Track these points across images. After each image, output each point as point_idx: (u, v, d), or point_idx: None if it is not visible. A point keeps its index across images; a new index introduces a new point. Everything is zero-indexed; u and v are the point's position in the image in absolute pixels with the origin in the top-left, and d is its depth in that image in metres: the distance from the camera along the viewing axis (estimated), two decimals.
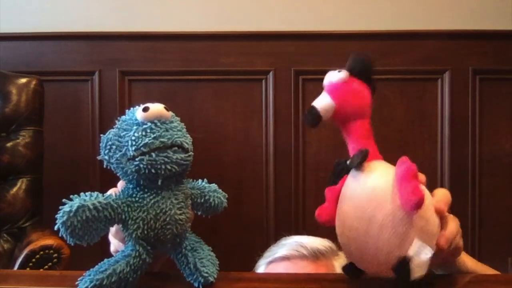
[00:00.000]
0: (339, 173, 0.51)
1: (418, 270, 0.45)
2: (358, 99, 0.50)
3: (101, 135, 0.48)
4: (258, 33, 1.81)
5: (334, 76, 0.50)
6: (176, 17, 1.83)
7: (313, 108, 0.49)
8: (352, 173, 0.49)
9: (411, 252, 0.45)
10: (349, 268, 0.52)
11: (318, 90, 0.51)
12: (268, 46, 1.81)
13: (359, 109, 0.50)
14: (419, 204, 0.43)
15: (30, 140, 1.56)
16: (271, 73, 1.80)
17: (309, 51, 1.80)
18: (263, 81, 1.81)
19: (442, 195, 0.50)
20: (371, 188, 0.47)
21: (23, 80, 1.58)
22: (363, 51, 0.52)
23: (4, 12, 1.81)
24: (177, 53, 1.81)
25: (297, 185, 1.81)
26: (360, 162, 0.48)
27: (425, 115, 1.81)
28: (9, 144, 1.54)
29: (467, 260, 0.60)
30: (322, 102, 0.49)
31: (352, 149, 0.50)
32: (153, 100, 0.49)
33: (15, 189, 1.53)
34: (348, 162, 0.50)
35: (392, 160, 0.49)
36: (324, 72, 0.51)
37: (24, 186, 1.54)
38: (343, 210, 0.50)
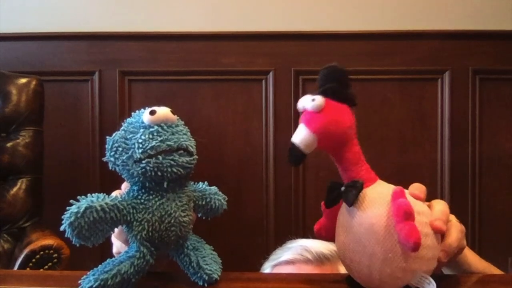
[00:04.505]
0: (333, 199, 0.49)
1: None
2: (340, 125, 0.46)
3: (107, 136, 0.48)
4: (258, 33, 1.81)
5: (308, 104, 0.46)
6: (176, 17, 1.83)
7: (294, 146, 0.46)
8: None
9: (413, 282, 0.46)
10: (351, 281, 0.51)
11: None
12: (268, 46, 1.81)
13: (343, 136, 0.47)
14: (416, 247, 0.42)
15: (30, 140, 1.56)
16: (271, 73, 1.81)
17: (309, 51, 1.80)
18: (263, 81, 1.81)
19: (440, 212, 0.48)
20: (369, 224, 0.46)
21: (23, 80, 1.58)
22: (332, 64, 0.49)
23: (4, 12, 1.81)
24: (177, 53, 1.81)
25: (297, 185, 1.81)
26: (354, 199, 0.46)
27: (425, 115, 1.81)
28: (9, 144, 1.54)
29: (468, 254, 0.60)
30: (302, 136, 0.46)
31: (343, 175, 0.48)
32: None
33: (15, 189, 1.53)
34: (342, 190, 0.48)
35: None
36: None
37: (24, 186, 1.54)
38: (342, 241, 0.49)
